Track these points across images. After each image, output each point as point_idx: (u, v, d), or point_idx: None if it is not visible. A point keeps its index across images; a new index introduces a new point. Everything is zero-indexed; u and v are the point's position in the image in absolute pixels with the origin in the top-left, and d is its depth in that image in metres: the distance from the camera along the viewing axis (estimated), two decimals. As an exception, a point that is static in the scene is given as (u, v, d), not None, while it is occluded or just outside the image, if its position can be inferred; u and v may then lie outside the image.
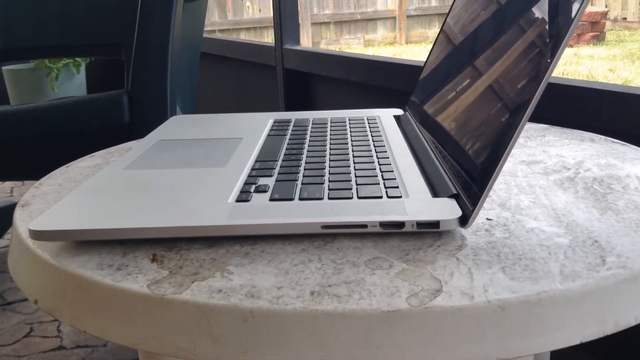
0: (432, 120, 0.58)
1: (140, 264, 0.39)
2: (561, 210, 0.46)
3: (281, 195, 0.45)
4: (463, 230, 0.43)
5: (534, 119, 0.90)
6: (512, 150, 0.64)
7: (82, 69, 2.32)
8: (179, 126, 0.71)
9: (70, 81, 2.45)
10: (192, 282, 0.37)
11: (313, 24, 6.92)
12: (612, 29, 7.45)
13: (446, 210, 0.42)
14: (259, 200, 0.45)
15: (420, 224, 0.40)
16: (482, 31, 0.53)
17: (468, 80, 0.51)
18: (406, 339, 0.34)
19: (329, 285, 0.36)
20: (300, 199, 0.45)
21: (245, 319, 0.34)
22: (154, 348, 0.36)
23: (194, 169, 0.53)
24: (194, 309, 0.35)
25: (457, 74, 0.55)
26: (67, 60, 2.34)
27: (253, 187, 0.48)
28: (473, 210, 0.40)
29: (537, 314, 0.34)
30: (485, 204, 0.48)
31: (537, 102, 0.38)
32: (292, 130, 0.67)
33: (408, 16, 7.56)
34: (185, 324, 0.35)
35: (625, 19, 7.54)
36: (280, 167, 0.53)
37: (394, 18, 7.56)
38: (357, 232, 0.42)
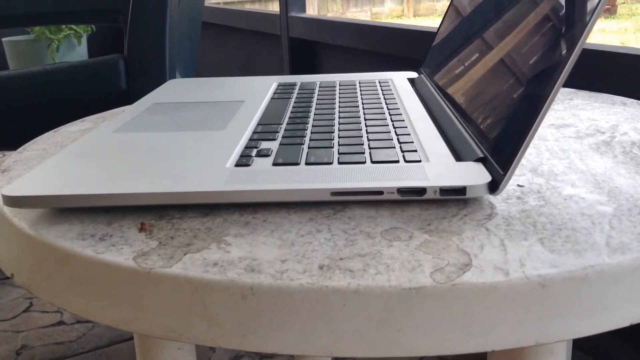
0: (452, 82, 0.52)
1: (126, 234, 0.35)
2: (600, 175, 0.41)
3: (285, 160, 0.40)
4: (492, 198, 0.38)
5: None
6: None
7: (84, 40, 2.26)
8: (176, 89, 0.66)
9: (71, 53, 2.39)
10: (184, 254, 0.32)
11: (320, -4, 6.80)
12: (624, 2, 7.29)
13: (473, 175, 0.37)
14: (261, 165, 0.40)
15: (444, 191, 0.36)
16: (510, -22, 0.48)
17: (495, 39, 0.46)
18: (430, 321, 0.29)
19: (341, 259, 0.31)
20: (307, 163, 0.40)
21: (244, 296, 0.29)
22: (141, 329, 0.32)
23: (190, 133, 0.48)
24: (185, 284, 0.30)
25: (481, 33, 0.50)
26: (68, 31, 2.28)
27: (254, 151, 0.43)
28: (505, 174, 0.35)
29: (583, 292, 0.30)
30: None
31: (575, 60, 0.32)
32: (297, 94, 0.62)
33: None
34: (176, 302, 0.31)
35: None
36: (285, 130, 0.48)
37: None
38: (371, 200, 0.37)
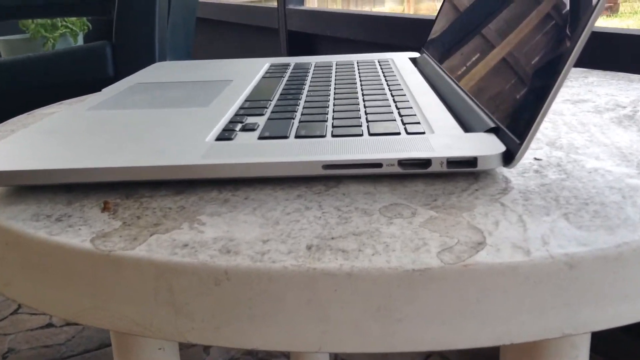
0: (457, 59, 0.48)
1: (87, 214, 0.30)
2: (627, 149, 0.36)
3: (273, 133, 0.36)
4: (506, 172, 0.33)
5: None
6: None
7: (80, 38, 2.22)
8: (162, 70, 0.62)
9: (67, 51, 2.35)
10: (151, 235, 0.28)
11: (320, -4, 6.77)
12: (626, 0, 7.24)
13: (485, 145, 0.32)
14: (245, 139, 0.36)
15: (451, 162, 0.31)
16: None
17: (503, 14, 0.42)
18: (437, 309, 0.24)
19: (332, 238, 0.27)
20: (297, 136, 0.35)
21: (217, 281, 0.25)
22: (99, 321, 0.27)
23: (170, 109, 0.44)
24: (150, 269, 0.26)
25: (488, 10, 0.45)
26: (64, 30, 2.24)
27: (239, 126, 0.38)
28: (522, 143, 0.30)
29: (618, 273, 0.25)
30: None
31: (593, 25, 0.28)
32: (291, 73, 0.57)
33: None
34: (139, 290, 0.26)
35: (640, -10, 7.30)
36: (275, 106, 0.44)
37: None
38: (368, 174, 0.32)
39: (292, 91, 0.48)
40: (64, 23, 2.29)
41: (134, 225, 0.29)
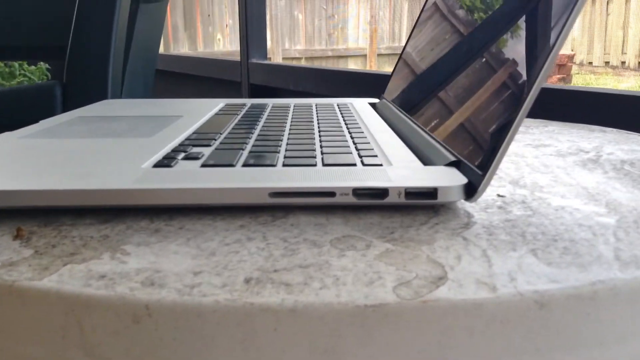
0: (417, 102, 0.46)
1: (-5, 242, 0.26)
2: (593, 189, 0.34)
3: (217, 162, 0.33)
4: (468, 207, 0.31)
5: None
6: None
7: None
8: (108, 106, 0.58)
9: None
10: (64, 265, 0.24)
11: (284, 58, 6.90)
12: (579, 73, 7.61)
13: (446, 176, 0.30)
14: (187, 167, 0.32)
15: (410, 193, 0.28)
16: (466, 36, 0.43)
17: (461, 58, 0.40)
18: (394, 351, 0.21)
19: (275, 271, 0.23)
20: (245, 165, 0.32)
21: (136, 318, 0.21)
22: (-7, 367, 0.23)
23: (108, 139, 0.40)
24: (58, 303, 0.22)
25: (446, 57, 0.44)
26: (22, 78, 2.19)
27: (182, 155, 0.35)
28: (484, 175, 0.28)
29: (591, 315, 0.22)
30: (492, 180, 0.36)
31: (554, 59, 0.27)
32: (246, 111, 0.55)
33: (379, 54, 7.59)
34: (45, 328, 0.22)
35: (590, 63, 7.71)
36: (225, 138, 0.41)
37: (365, 56, 7.58)
38: (320, 205, 0.29)
39: (244, 126, 0.46)
40: (22, 72, 2.24)
41: (47, 255, 0.25)
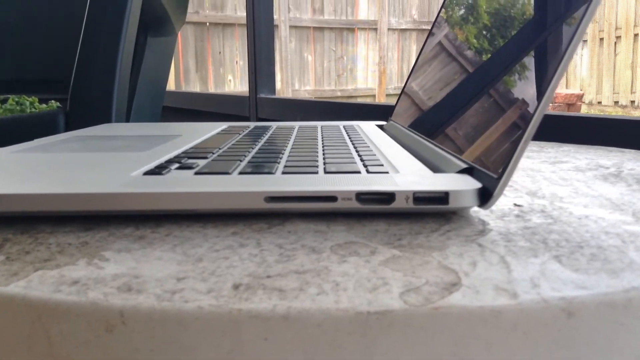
0: (427, 119, 0.44)
1: (-35, 249, 0.24)
2: (617, 200, 0.32)
3: (212, 170, 0.31)
4: (482, 214, 0.28)
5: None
6: (528, 152, 0.50)
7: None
8: (108, 128, 0.57)
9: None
10: (35, 271, 0.21)
11: (295, 98, 6.95)
12: (588, 112, 7.61)
13: (458, 181, 0.27)
14: (179, 175, 0.30)
15: (419, 199, 0.26)
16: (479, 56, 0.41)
17: (472, 75, 0.39)
18: (401, 365, 0.18)
19: (268, 277, 0.21)
20: (241, 173, 0.30)
21: (110, 326, 0.19)
22: (-51, 384, 0.20)
23: (102, 153, 0.38)
24: (24, 309, 0.20)
25: (455, 76, 0.43)
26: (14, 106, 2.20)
27: (176, 165, 0.33)
28: (499, 178, 0.26)
29: (626, 325, 0.20)
30: (507, 191, 0.34)
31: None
32: (249, 131, 0.53)
33: (388, 94, 7.64)
34: (10, 337, 0.20)
35: (600, 102, 7.71)
36: (224, 151, 0.39)
37: (374, 96, 7.64)
38: (321, 211, 0.27)
39: (246, 142, 0.44)
40: (33, 109, 2.26)
41: (19, 261, 0.22)
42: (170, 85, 4.73)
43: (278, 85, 5.39)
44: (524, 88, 0.28)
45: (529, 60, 0.28)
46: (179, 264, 0.22)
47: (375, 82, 7.74)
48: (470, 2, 0.44)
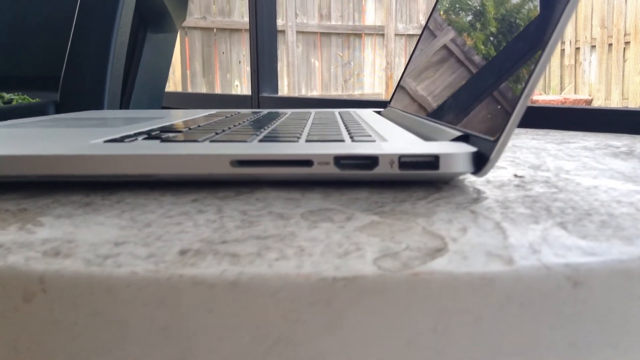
0: (427, 100, 0.41)
1: None
2: (630, 173, 0.29)
3: (181, 139, 0.28)
4: (478, 183, 0.25)
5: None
6: (533, 135, 0.47)
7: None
8: (93, 114, 0.54)
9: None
10: (-44, 236, 0.19)
11: (302, 104, 6.94)
12: (598, 117, 7.52)
13: (450, 146, 0.24)
14: (144, 143, 0.27)
15: (405, 163, 0.23)
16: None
17: (468, 59, 0.36)
18: (373, 339, 0.15)
19: (224, 242, 0.18)
20: (212, 141, 0.27)
21: (28, 295, 0.16)
22: None
23: (71, 129, 0.36)
24: None
25: (454, 61, 0.40)
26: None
27: (144, 136, 0.30)
28: (496, 141, 0.23)
29: (647, 298, 0.17)
30: (507, 165, 0.30)
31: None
32: (237, 115, 0.50)
33: (397, 100, 7.59)
34: None
35: (610, 107, 7.63)
36: (201, 126, 0.36)
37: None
38: (294, 177, 0.24)
39: (229, 121, 0.41)
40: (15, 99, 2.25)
41: (-58, 226, 0.20)
42: (178, 89, 4.73)
43: (285, 90, 5.39)
44: (521, 48, 0.24)
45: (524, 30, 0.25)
46: (121, 229, 0.19)
47: (382, 87, 7.71)
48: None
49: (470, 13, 0.36)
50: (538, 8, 0.24)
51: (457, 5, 0.40)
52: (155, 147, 0.24)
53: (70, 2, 1.11)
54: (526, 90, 0.22)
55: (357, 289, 0.15)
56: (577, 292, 0.16)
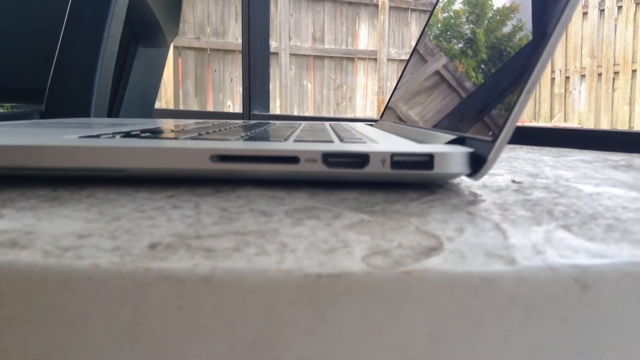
0: (419, 111, 0.40)
1: None
2: (631, 182, 0.27)
3: (160, 137, 0.26)
4: (475, 187, 0.24)
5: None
6: (528, 149, 0.46)
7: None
8: (80, 120, 0.53)
9: None
10: None
11: (294, 126, 6.94)
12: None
13: (445, 147, 0.23)
14: (120, 139, 0.26)
15: (398, 163, 0.22)
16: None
17: (459, 64, 0.35)
18: (359, 341, 0.14)
19: (198, 237, 0.16)
20: (193, 139, 0.26)
21: (-24, 288, 0.14)
22: None
23: (53, 129, 0.34)
24: None
25: (444, 68, 0.39)
26: None
27: (122, 134, 0.29)
28: (494, 141, 0.21)
29: (661, 304, 0.15)
30: (504, 172, 0.29)
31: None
32: (226, 122, 0.49)
33: (388, 124, 7.63)
34: None
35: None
36: (186, 131, 0.34)
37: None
38: (279, 175, 0.22)
39: (216, 127, 0.39)
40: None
41: None
42: (169, 106, 4.72)
43: (277, 111, 5.39)
44: (518, 56, 0.23)
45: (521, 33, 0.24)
46: (88, 222, 0.17)
47: (374, 111, 7.75)
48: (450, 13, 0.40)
49: (461, 27, 0.35)
50: (537, 6, 0.23)
51: (445, 18, 0.39)
52: (130, 142, 0.23)
53: (59, 12, 1.10)
54: (527, 86, 0.20)
55: (343, 287, 0.14)
56: (586, 296, 0.15)
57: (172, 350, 0.14)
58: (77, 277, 0.14)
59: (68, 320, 0.14)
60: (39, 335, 0.14)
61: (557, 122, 5.12)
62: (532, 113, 5.25)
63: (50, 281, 0.14)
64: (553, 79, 5.09)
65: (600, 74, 5.22)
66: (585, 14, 4.55)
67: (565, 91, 5.27)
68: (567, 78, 5.10)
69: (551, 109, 5.36)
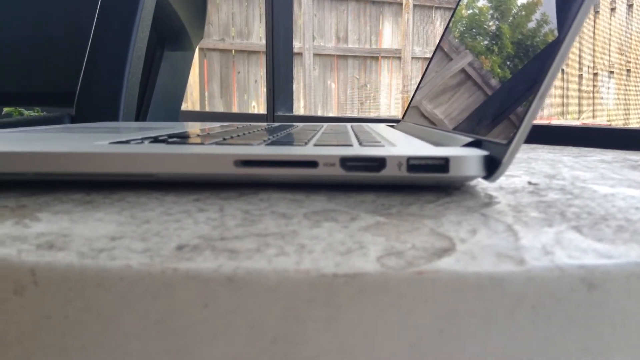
0: (441, 111, 0.41)
1: None
2: (650, 182, 0.28)
3: (187, 142, 0.28)
4: (490, 189, 0.24)
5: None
6: (548, 149, 0.46)
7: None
8: (109, 125, 0.54)
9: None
10: (-48, 229, 0.18)
11: (318, 125, 6.96)
12: (617, 142, 7.44)
13: (460, 150, 0.24)
14: (149, 145, 0.27)
15: (414, 166, 0.22)
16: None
17: (479, 67, 0.35)
18: (373, 337, 0.15)
19: (222, 239, 0.17)
20: (218, 144, 0.27)
21: (20, 287, 0.15)
22: None
23: (79, 134, 0.35)
24: None
25: (465, 70, 0.39)
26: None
27: (151, 139, 0.30)
28: (509, 144, 0.22)
29: (667, 304, 0.16)
30: (521, 173, 0.30)
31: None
32: (250, 125, 0.50)
33: (413, 123, 7.59)
34: None
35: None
36: (211, 134, 0.35)
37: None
38: (299, 179, 0.23)
39: (241, 130, 0.40)
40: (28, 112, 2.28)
41: (-61, 220, 0.19)
42: (195, 108, 4.78)
43: (301, 111, 5.41)
44: (529, 71, 0.24)
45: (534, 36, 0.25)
46: (119, 225, 0.18)
47: (398, 109, 7.72)
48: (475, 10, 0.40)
49: (482, 25, 0.36)
50: (552, 6, 0.24)
51: (469, 17, 0.40)
52: (159, 147, 0.24)
53: (89, 18, 1.13)
54: (540, 91, 0.21)
55: (358, 287, 0.15)
56: (593, 295, 0.15)
57: (198, 345, 0.15)
58: (111, 277, 0.15)
59: (102, 317, 0.15)
60: (76, 331, 0.15)
61: (586, 119, 5.03)
62: (560, 110, 5.18)
63: (86, 281, 0.15)
64: (581, 75, 5.01)
65: (629, 70, 5.12)
66: (613, 9, 4.46)
67: (593, 88, 5.18)
68: (595, 74, 5.01)
69: (579, 106, 5.27)
